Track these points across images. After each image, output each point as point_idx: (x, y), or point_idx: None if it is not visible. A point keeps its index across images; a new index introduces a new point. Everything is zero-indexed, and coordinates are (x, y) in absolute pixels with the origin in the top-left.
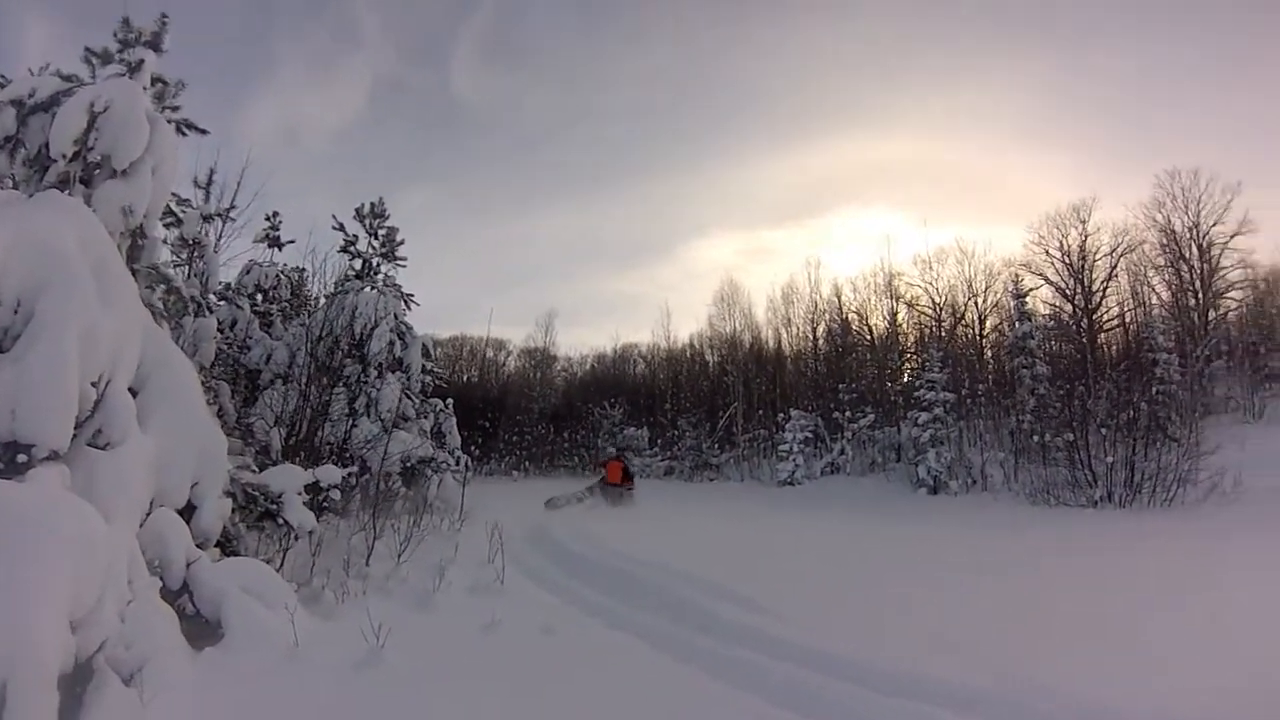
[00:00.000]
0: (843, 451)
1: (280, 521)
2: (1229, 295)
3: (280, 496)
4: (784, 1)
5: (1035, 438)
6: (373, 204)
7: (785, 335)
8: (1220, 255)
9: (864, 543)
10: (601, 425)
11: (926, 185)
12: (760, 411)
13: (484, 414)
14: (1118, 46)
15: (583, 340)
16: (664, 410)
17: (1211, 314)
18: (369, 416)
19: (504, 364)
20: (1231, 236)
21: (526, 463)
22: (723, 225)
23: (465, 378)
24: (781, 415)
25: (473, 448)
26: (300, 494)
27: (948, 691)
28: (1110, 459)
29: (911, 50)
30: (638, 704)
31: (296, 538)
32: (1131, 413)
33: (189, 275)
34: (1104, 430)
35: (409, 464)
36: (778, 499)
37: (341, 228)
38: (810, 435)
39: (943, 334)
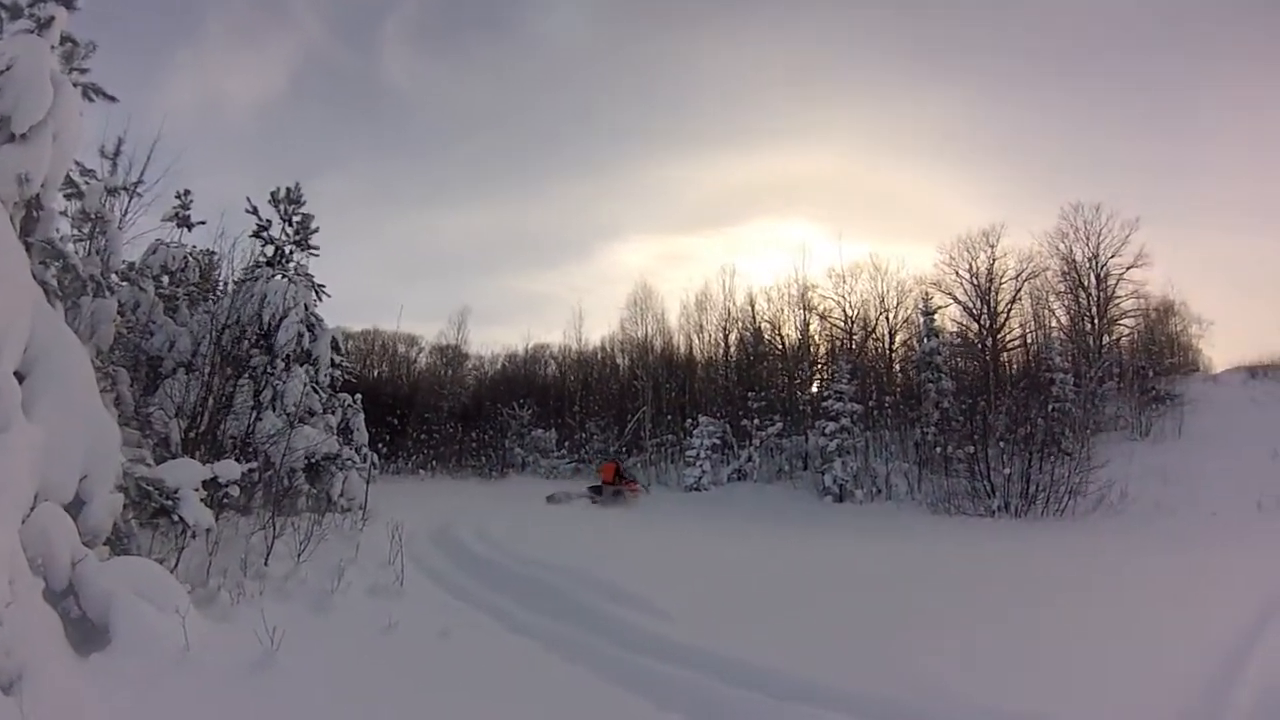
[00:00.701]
0: (750, 458)
1: (176, 519)
2: (1122, 322)
3: (176, 492)
4: (726, 14)
5: (938, 449)
6: (289, 189)
7: (697, 341)
8: (1116, 285)
9: (769, 548)
10: (510, 426)
11: (844, 202)
12: (669, 417)
13: (393, 411)
14: (1036, 85)
15: (495, 339)
16: (573, 413)
17: (1105, 339)
18: (274, 410)
19: (415, 360)
20: (1127, 268)
21: (434, 462)
22: (641, 229)
23: (376, 373)
24: (690, 421)
25: (380, 445)
26: (198, 490)
27: (850, 698)
28: (1008, 471)
29: (843, 73)
30: (532, 709)
31: (193, 536)
32: (1029, 428)
33: (89, 252)
34: (1003, 444)
35: (313, 460)
36: (684, 504)
37: (255, 211)
38: (718, 442)
39: (853, 346)
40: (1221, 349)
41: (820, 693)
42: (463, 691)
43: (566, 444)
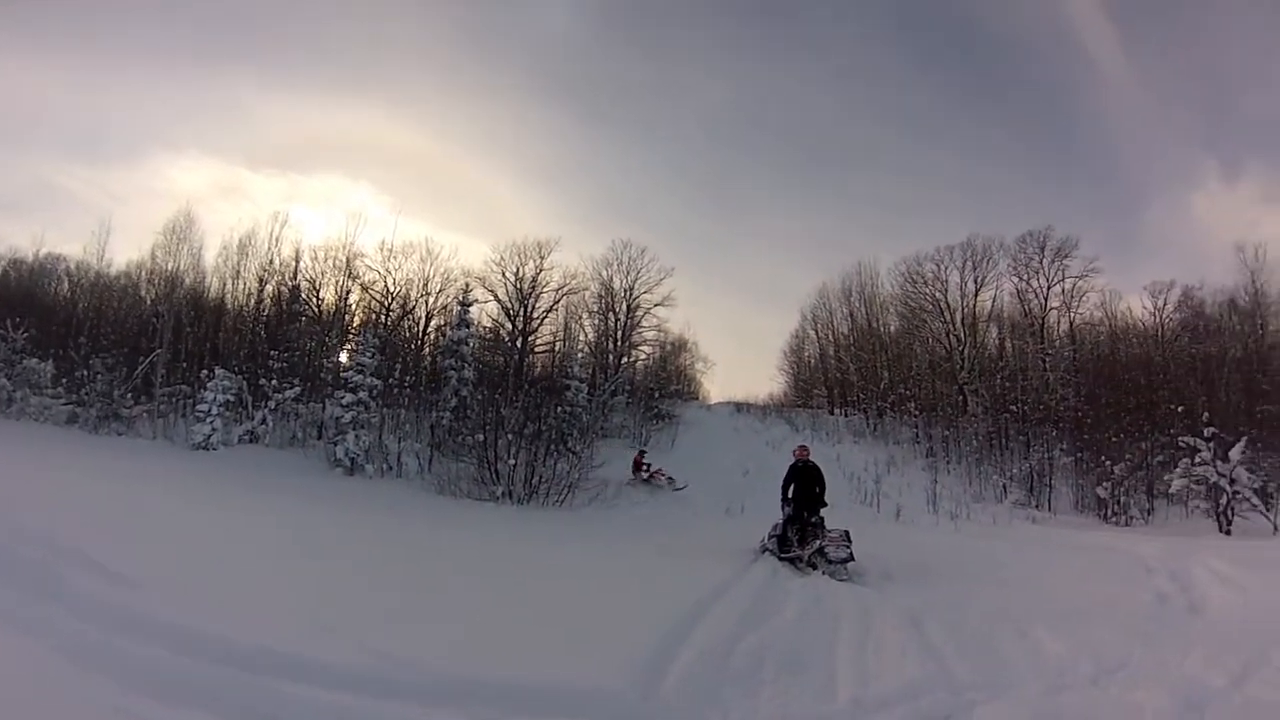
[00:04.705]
0: (264, 421)
1: None
2: (641, 348)
3: None
4: None
5: (452, 435)
6: None
7: (231, 288)
8: (643, 317)
9: (266, 516)
10: None
11: (419, 182)
12: (185, 365)
13: None
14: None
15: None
16: (78, 344)
17: (625, 360)
18: None
19: None
20: (655, 305)
21: None
22: (203, 147)
23: None
24: (206, 373)
25: None
26: None
27: (324, 671)
28: (514, 462)
29: (471, 67)
30: None
31: None
32: (540, 425)
33: None
34: (512, 436)
35: None
36: (188, 463)
37: None
38: (233, 399)
39: (388, 322)
40: (719, 385)
41: (292, 666)
42: None
43: (65, 381)
